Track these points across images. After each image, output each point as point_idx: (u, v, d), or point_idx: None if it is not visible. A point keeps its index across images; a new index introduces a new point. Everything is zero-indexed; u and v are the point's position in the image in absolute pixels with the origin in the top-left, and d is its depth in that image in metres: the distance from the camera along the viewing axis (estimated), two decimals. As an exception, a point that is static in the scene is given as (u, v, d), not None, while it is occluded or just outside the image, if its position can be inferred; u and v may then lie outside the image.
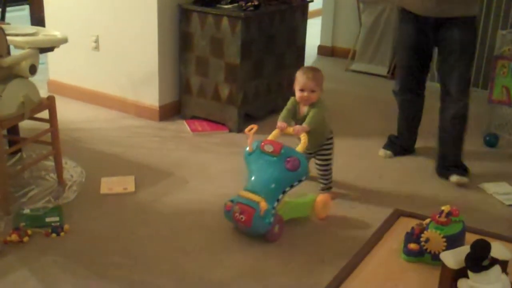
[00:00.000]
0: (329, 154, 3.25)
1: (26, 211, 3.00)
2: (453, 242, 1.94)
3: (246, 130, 2.94)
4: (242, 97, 4.14)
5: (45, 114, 3.18)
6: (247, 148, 2.93)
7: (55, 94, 3.29)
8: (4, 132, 3.15)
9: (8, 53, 3.10)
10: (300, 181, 2.84)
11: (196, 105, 4.32)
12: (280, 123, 3.04)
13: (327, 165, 3.27)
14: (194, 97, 4.31)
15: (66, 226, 2.87)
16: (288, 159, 2.81)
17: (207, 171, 3.58)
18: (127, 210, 3.12)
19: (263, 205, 2.71)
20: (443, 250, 1.89)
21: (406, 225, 2.12)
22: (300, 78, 3.10)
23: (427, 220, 2.07)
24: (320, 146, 3.21)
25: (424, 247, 1.98)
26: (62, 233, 2.83)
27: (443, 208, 2.02)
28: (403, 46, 3.66)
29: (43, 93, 3.24)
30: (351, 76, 5.88)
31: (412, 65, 3.65)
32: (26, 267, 2.60)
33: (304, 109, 3.12)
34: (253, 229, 2.77)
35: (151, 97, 4.33)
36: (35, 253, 2.70)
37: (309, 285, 2.55)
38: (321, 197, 3.07)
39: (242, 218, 2.74)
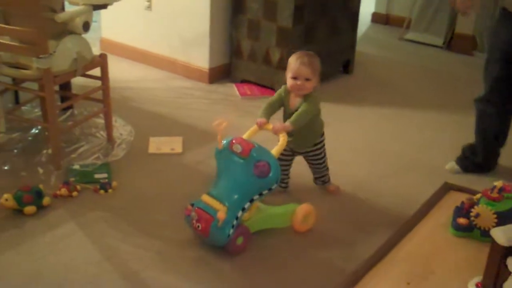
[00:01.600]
0: (322, 153, 2.88)
1: (76, 166, 3.05)
2: (504, 218, 1.90)
3: (215, 124, 2.54)
4: (292, 62, 4.09)
5: (96, 71, 3.20)
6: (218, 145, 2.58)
7: (106, 53, 3.30)
8: (56, 88, 3.21)
9: (63, 9, 3.12)
10: (270, 189, 2.46)
11: (246, 68, 4.30)
12: (259, 119, 2.67)
13: (321, 163, 2.91)
14: (245, 61, 4.28)
15: (114, 183, 2.91)
16: (257, 163, 2.42)
17: (254, 136, 3.55)
18: (174, 170, 3.14)
19: (221, 214, 2.35)
20: (493, 227, 1.84)
21: (455, 199, 2.08)
22: (293, 64, 2.70)
23: (478, 195, 2.02)
24: (311, 146, 2.85)
25: (474, 223, 1.94)
26: (110, 190, 2.88)
27: (495, 183, 1.96)
28: (499, 52, 3.03)
29: (95, 51, 3.25)
30: (405, 45, 5.74)
31: (505, 74, 3.03)
32: (74, 221, 2.66)
33: (296, 101, 2.73)
34: (210, 240, 2.45)
35: (201, 59, 4.32)
36: (83, 208, 2.76)
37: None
38: (302, 208, 2.65)
39: (199, 226, 2.42)
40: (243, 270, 2.42)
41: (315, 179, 2.99)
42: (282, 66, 4.08)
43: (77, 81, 3.42)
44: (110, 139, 3.35)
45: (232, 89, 4.25)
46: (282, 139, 2.57)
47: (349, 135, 3.68)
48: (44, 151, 3.21)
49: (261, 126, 2.66)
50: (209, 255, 2.47)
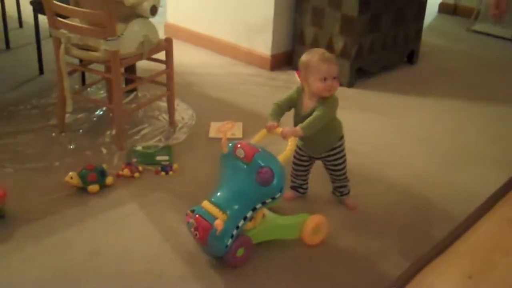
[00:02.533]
0: (340, 159, 2.63)
1: (138, 148, 3.11)
2: None
3: (219, 126, 2.48)
4: (356, 50, 4.04)
5: (161, 55, 3.24)
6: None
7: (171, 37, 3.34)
8: (122, 70, 3.26)
9: (131, -7, 3.17)
10: (273, 198, 2.27)
11: (308, 56, 4.27)
12: (269, 122, 2.48)
13: (340, 170, 2.66)
14: (307, 48, 4.24)
15: (175, 166, 2.95)
16: (260, 170, 2.24)
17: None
18: (234, 155, 3.16)
19: (218, 223, 2.18)
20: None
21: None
22: (319, 66, 2.44)
23: (548, 192, 1.95)
24: (328, 152, 2.62)
25: (542, 219, 1.87)
26: (171, 172, 2.92)
27: None
28: None
29: (160, 35, 3.30)
30: (473, 37, 5.58)
31: None
32: (136, 201, 2.71)
33: (310, 103, 2.50)
34: (209, 249, 2.32)
35: (264, 46, 4.32)
36: (144, 189, 2.81)
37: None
38: (313, 219, 2.46)
39: (197, 234, 2.27)
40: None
41: (333, 189, 2.76)
42: (345, 54, 4.04)
43: (142, 65, 3.47)
44: (172, 122, 3.40)
45: (293, 77, 4.23)
46: (290, 144, 2.36)
47: (411, 127, 3.61)
48: (108, 132, 3.28)
49: (270, 130, 2.46)
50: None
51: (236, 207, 2.24)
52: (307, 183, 2.78)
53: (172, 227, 2.55)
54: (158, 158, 3.01)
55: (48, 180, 2.81)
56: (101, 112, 3.53)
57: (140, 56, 3.10)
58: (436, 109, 3.88)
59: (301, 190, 2.78)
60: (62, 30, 3.00)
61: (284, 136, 2.39)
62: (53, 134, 3.26)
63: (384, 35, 4.21)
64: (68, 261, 2.32)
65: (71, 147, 3.14)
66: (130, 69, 3.60)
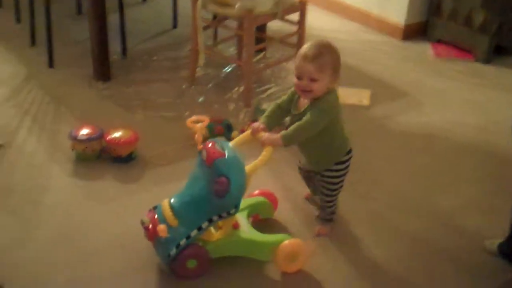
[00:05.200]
0: (337, 180, 2.20)
1: (264, 106, 3.12)
2: None
3: (189, 121, 2.27)
4: (496, 26, 3.82)
5: (292, 17, 3.23)
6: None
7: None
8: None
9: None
10: (229, 213, 2.00)
11: (444, 28, 4.10)
12: (256, 123, 2.14)
13: (331, 195, 2.23)
14: (444, 20, 4.08)
15: (299, 127, 2.95)
16: (217, 178, 1.94)
17: (445, 98, 3.42)
18: (359, 122, 3.11)
19: (161, 229, 1.95)
20: None
21: None
22: (296, 60, 2.05)
23: None
24: (323, 171, 2.20)
25: None
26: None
27: None
28: None
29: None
30: None
31: None
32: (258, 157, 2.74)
33: (304, 102, 2.10)
34: (157, 253, 2.10)
35: (397, 14, 4.19)
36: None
37: None
38: (290, 244, 2.08)
39: (145, 234, 2.07)
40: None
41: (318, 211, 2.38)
42: (484, 29, 3.85)
43: (271, 25, 3.48)
44: (299, 84, 3.39)
45: (426, 48, 4.09)
46: (264, 154, 2.02)
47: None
48: (236, 89, 3.34)
49: (254, 133, 2.11)
50: (382, 208, 2.45)
51: (190, 215, 2.01)
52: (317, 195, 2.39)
53: (290, 186, 2.56)
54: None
55: (176, 129, 2.91)
56: (230, 69, 3.59)
57: (273, 16, 3.10)
58: None
59: (316, 198, 2.43)
60: (201, -16, 3.06)
61: (262, 143, 2.05)
62: (183, 86, 3.36)
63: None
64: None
65: (200, 99, 3.23)
66: (261, 28, 3.62)
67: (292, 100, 2.13)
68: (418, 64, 3.86)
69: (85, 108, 3.12)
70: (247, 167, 2.00)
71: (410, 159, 2.82)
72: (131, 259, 2.13)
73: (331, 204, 2.27)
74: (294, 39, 3.32)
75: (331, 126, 2.07)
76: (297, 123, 2.02)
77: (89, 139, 2.64)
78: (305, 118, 2.01)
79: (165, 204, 2.06)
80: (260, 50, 3.72)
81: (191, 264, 2.03)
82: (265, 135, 2.06)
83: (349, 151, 2.19)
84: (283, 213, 2.40)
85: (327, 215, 2.31)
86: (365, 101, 3.28)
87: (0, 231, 2.24)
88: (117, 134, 2.64)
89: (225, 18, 3.27)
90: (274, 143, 2.02)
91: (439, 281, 2.12)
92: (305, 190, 2.48)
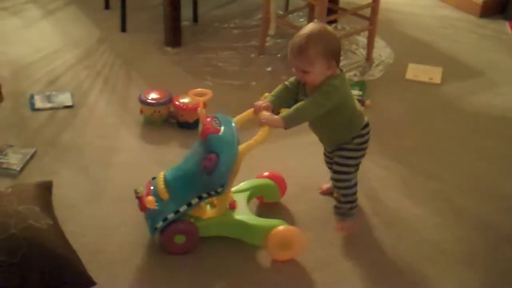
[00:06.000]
0: (348, 159, 2.07)
1: (333, 79, 3.10)
2: None
3: (191, 92, 2.19)
4: None
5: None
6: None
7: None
8: None
9: None
10: (216, 192, 1.94)
11: (524, 6, 3.93)
12: (259, 101, 2.01)
13: (341, 177, 2.08)
14: (525, -2, 3.92)
15: (367, 101, 2.91)
16: (207, 155, 1.91)
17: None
18: (429, 100, 3.04)
19: (149, 201, 1.93)
20: None
21: None
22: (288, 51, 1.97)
23: None
24: (337, 148, 2.09)
25: None
26: (362, 107, 2.87)
27: None
28: None
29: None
30: None
31: None
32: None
33: (311, 86, 2.00)
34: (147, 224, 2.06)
35: (476, -10, 4.05)
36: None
37: None
38: (283, 231, 1.99)
39: (138, 203, 2.02)
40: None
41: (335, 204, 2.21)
42: None
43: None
44: (369, 58, 3.33)
45: (504, 27, 3.93)
46: (260, 134, 1.93)
47: None
48: (304, 60, 3.30)
49: (256, 111, 1.99)
50: (448, 189, 2.40)
51: (181, 190, 1.97)
52: None
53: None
54: (352, 91, 2.97)
55: (244, 97, 2.91)
56: (299, 40, 3.55)
57: (348, -14, 3.05)
58: None
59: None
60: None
61: (260, 122, 1.94)
62: (252, 55, 3.36)
63: None
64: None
65: (268, 69, 3.22)
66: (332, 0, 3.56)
67: (300, 83, 2.03)
68: (495, 43, 3.72)
69: (154, 73, 3.17)
70: (241, 147, 1.93)
71: (479, 141, 2.74)
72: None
73: (345, 190, 2.10)
74: (367, 12, 3.25)
75: (339, 109, 1.96)
76: (299, 103, 1.92)
77: (157, 104, 2.68)
78: (307, 99, 1.92)
79: (159, 177, 2.03)
80: (331, 22, 3.67)
81: (179, 239, 2.00)
82: (265, 114, 1.94)
83: (366, 125, 2.06)
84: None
85: (345, 208, 2.14)
86: (436, 79, 3.19)
87: (71, 188, 2.32)
88: (185, 100, 2.67)
89: (298, -13, 3.24)
90: (275, 124, 1.91)
91: (502, 267, 2.06)
92: (323, 180, 2.34)
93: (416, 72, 3.25)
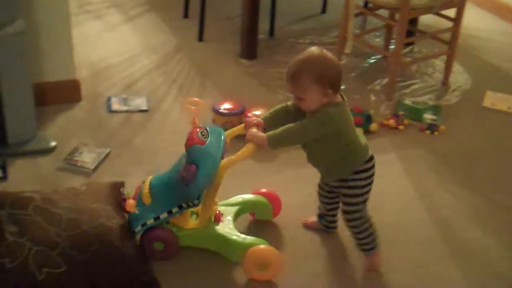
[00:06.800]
0: (354, 199, 1.95)
1: (407, 101, 3.06)
2: None
3: (186, 101, 2.12)
4: None
5: (448, 13, 3.12)
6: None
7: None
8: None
9: None
10: (193, 203, 1.95)
11: None
12: (253, 117, 1.95)
13: (351, 216, 1.98)
14: None
15: (441, 127, 2.86)
16: (187, 165, 1.90)
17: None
18: (506, 129, 2.96)
19: (129, 204, 1.96)
20: None
21: None
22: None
23: None
24: (340, 181, 1.95)
25: None
26: (436, 132, 2.84)
27: None
28: None
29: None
30: None
31: None
32: (396, 152, 2.70)
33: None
34: None
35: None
36: (407, 142, 2.78)
37: None
38: (262, 251, 1.95)
39: (123, 204, 2.04)
40: None
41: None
42: None
43: (422, 19, 3.37)
44: (445, 82, 3.27)
45: None
46: (244, 149, 1.87)
47: None
48: (379, 80, 3.28)
49: (247, 127, 1.93)
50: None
51: (164, 196, 1.98)
52: (334, 218, 2.16)
53: (427, 187, 2.49)
54: (426, 116, 2.93)
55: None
56: (374, 60, 3.53)
57: (429, 9, 3.01)
58: None
59: (324, 222, 2.18)
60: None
61: (246, 138, 1.88)
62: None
63: None
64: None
65: (342, 87, 3.19)
66: (413, 21, 3.51)
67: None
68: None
69: (229, 84, 3.21)
70: (223, 161, 1.91)
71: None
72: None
73: (357, 227, 1.98)
74: (446, 36, 3.20)
75: (335, 139, 1.86)
76: (287, 125, 1.84)
77: (230, 114, 2.71)
78: (296, 123, 1.84)
79: (146, 181, 2.04)
80: (408, 44, 3.62)
81: (158, 246, 2.01)
82: (252, 131, 1.88)
83: (370, 159, 1.94)
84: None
85: (362, 244, 2.02)
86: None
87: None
88: (258, 112, 2.68)
89: (378, 7, 3.21)
90: (258, 142, 1.85)
91: None
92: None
93: (494, 100, 3.16)
